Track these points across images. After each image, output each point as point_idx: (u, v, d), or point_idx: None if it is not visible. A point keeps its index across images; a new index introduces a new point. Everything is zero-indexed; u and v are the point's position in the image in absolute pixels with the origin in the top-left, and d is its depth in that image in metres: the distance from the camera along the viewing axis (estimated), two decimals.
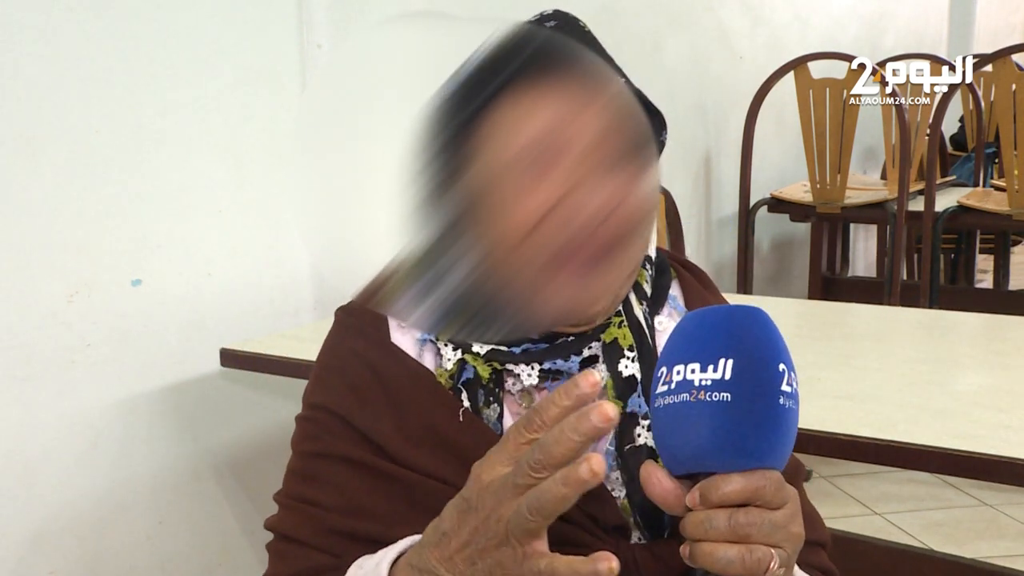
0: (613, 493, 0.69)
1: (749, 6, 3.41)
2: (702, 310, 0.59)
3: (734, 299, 2.44)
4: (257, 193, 1.65)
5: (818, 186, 3.08)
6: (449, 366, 0.72)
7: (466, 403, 0.70)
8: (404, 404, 0.70)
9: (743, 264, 3.19)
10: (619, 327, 0.72)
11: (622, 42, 2.72)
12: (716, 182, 3.29)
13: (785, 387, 0.56)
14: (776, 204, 3.21)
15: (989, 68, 3.02)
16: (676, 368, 0.56)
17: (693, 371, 0.55)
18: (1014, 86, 2.82)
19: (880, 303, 2.87)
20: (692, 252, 3.10)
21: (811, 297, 3.47)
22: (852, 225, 4.02)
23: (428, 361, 0.73)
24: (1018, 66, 2.91)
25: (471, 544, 0.55)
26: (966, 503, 2.42)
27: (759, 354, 0.56)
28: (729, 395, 0.55)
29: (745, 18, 3.40)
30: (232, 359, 1.51)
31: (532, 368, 0.71)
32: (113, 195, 1.45)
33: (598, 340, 0.72)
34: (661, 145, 0.70)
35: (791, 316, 1.81)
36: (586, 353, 0.71)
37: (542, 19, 0.71)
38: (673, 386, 0.56)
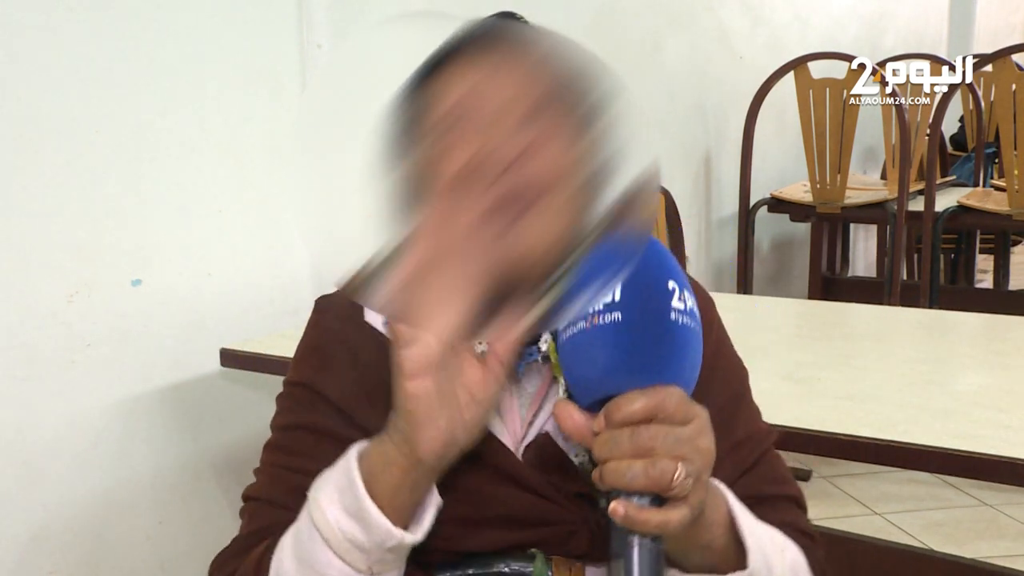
0: (575, 457, 0.70)
1: (749, 6, 3.41)
2: (599, 246, 0.60)
3: (734, 299, 2.42)
4: (257, 193, 1.65)
5: (818, 186, 3.08)
6: None
7: None
8: (375, 375, 0.71)
9: (743, 264, 3.19)
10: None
11: (622, 42, 2.73)
12: (716, 182, 3.29)
13: (676, 303, 0.58)
14: (776, 204, 3.21)
15: (989, 68, 3.02)
16: None
17: None
18: (1014, 86, 2.82)
19: (880, 303, 2.88)
20: (692, 252, 3.10)
21: (811, 297, 3.48)
22: (852, 225, 4.02)
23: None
24: (1018, 66, 2.91)
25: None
26: (966, 503, 2.42)
27: (646, 274, 0.57)
28: (620, 315, 0.56)
29: (745, 18, 3.40)
30: (232, 359, 1.51)
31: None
32: (113, 195, 1.45)
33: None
34: (608, 103, 0.70)
35: (791, 316, 1.81)
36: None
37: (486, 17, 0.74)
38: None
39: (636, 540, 0.57)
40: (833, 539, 1.79)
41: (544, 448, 0.69)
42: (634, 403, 0.56)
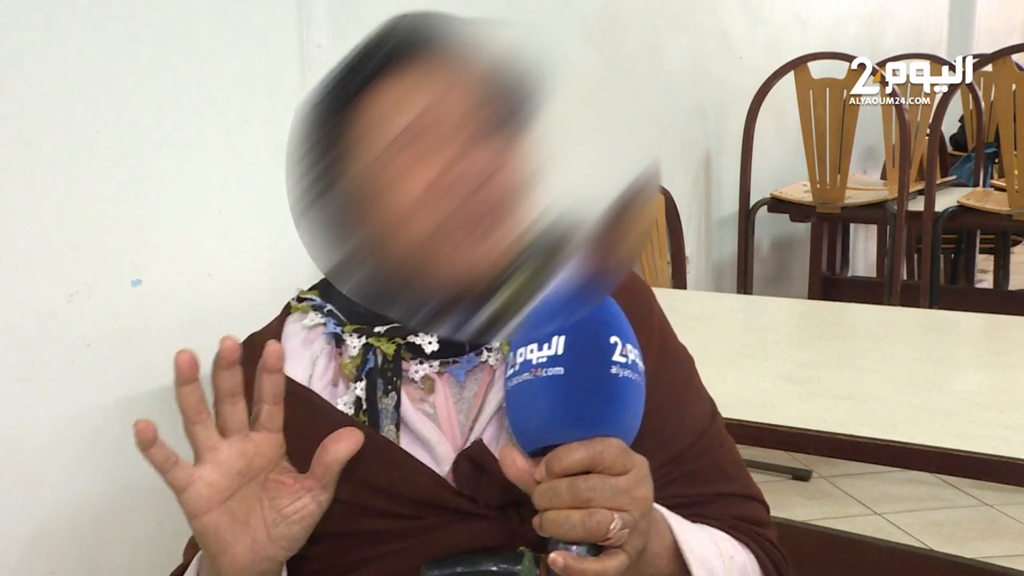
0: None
1: (749, 6, 3.41)
2: (545, 295, 0.62)
3: (734, 299, 2.41)
4: (257, 193, 1.65)
5: (818, 186, 3.08)
6: (354, 353, 0.74)
7: (364, 406, 0.73)
8: (300, 436, 0.70)
9: (743, 264, 3.19)
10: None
11: (622, 42, 2.73)
12: (716, 182, 3.29)
13: (618, 357, 0.60)
14: (776, 204, 3.21)
15: (989, 68, 3.02)
16: (519, 350, 0.61)
17: (532, 351, 0.60)
18: (1014, 86, 2.82)
19: (880, 303, 2.88)
20: (692, 252, 3.10)
21: (811, 297, 3.47)
22: (852, 225, 4.02)
23: (323, 361, 0.75)
24: (1018, 66, 2.91)
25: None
26: (966, 503, 2.42)
27: (589, 328, 0.60)
28: (562, 368, 0.59)
29: (745, 18, 3.40)
30: None
31: (432, 336, 0.73)
32: (113, 195, 1.45)
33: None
34: (542, 103, 0.71)
35: (791, 316, 1.81)
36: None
37: (400, 16, 0.73)
38: (517, 368, 0.61)
39: None
40: (833, 539, 1.79)
41: (478, 456, 0.71)
42: (573, 454, 0.58)
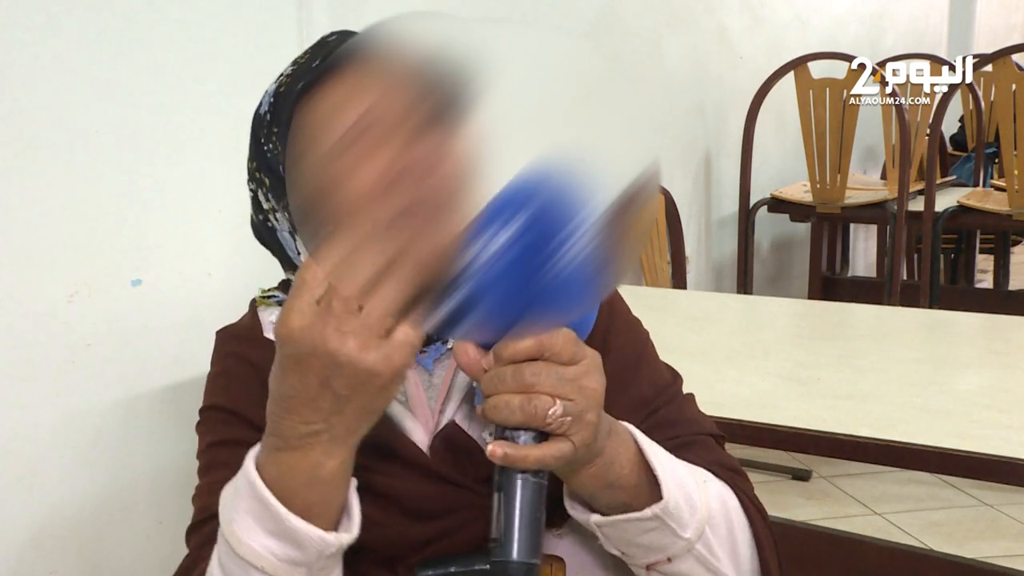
0: (489, 436, 0.70)
1: (749, 6, 3.41)
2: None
3: (734, 299, 2.41)
4: None
5: (818, 186, 3.09)
6: None
7: None
8: None
9: (743, 264, 3.19)
10: None
11: (622, 42, 2.73)
12: (716, 182, 3.29)
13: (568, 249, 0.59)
14: (776, 204, 3.21)
15: (989, 68, 3.02)
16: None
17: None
18: (1014, 86, 2.82)
19: (880, 303, 2.88)
20: (692, 252, 3.11)
21: (811, 297, 3.48)
22: (852, 225, 4.02)
23: None
24: (1018, 66, 2.92)
25: (327, 383, 0.56)
26: (966, 503, 2.42)
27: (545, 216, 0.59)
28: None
29: (745, 18, 3.40)
30: None
31: None
32: (113, 195, 1.45)
33: None
34: (479, 92, 0.71)
35: (791, 316, 1.81)
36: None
37: (332, 32, 0.76)
38: None
39: (518, 475, 0.60)
40: (833, 539, 1.79)
41: (452, 437, 0.72)
42: (521, 342, 0.58)
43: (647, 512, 0.65)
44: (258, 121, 0.76)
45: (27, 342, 1.36)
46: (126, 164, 1.46)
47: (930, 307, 2.87)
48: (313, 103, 0.70)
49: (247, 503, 0.61)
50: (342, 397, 0.57)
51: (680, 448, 0.73)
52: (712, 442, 0.79)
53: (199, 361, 1.58)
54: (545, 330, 0.59)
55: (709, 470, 0.74)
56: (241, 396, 0.76)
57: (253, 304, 0.85)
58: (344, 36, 0.73)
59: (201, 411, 0.80)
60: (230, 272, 1.63)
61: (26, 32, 1.33)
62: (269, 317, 0.81)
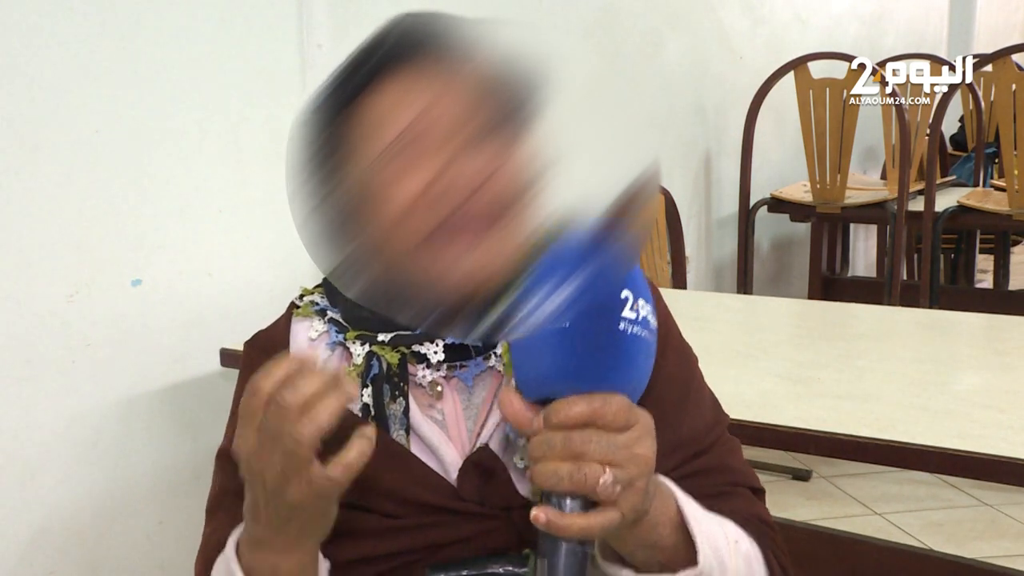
0: (520, 462, 0.71)
1: (749, 6, 3.41)
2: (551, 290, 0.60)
3: (734, 299, 2.41)
4: (257, 193, 1.65)
5: (818, 186, 3.08)
6: (359, 361, 0.73)
7: (371, 410, 0.73)
8: None
9: (743, 264, 3.19)
10: None
11: (622, 42, 2.73)
12: (716, 182, 3.29)
13: (628, 313, 0.58)
14: (776, 204, 3.21)
15: (989, 68, 3.02)
16: None
17: None
18: (1014, 86, 2.82)
19: (880, 303, 2.88)
20: (692, 252, 3.10)
21: (811, 297, 3.48)
22: (852, 225, 4.02)
23: (334, 363, 0.75)
24: (1018, 66, 2.91)
25: (269, 502, 0.61)
26: (966, 503, 2.42)
27: (599, 280, 0.57)
28: (568, 321, 0.56)
29: (745, 18, 3.40)
30: (232, 359, 1.51)
31: (437, 345, 0.72)
32: (113, 195, 1.45)
33: None
34: (542, 104, 0.70)
35: (791, 316, 1.81)
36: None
37: (400, 17, 0.72)
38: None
39: (563, 543, 0.58)
40: (833, 539, 1.79)
41: (484, 463, 0.71)
42: (572, 408, 0.57)
43: (680, 575, 0.64)
44: (312, 110, 0.71)
45: (27, 342, 1.36)
46: (126, 164, 1.46)
47: (930, 307, 2.87)
48: (367, 102, 0.67)
49: None
50: (283, 515, 0.61)
51: (716, 497, 0.72)
52: (749, 494, 0.77)
53: (199, 361, 1.59)
54: (593, 397, 0.57)
55: (741, 523, 0.72)
56: None
57: (291, 308, 0.81)
58: (410, 23, 0.70)
59: (220, 451, 0.79)
60: (230, 272, 1.63)
61: (26, 32, 1.33)
62: (307, 333, 0.78)
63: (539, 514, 0.57)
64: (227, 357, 1.52)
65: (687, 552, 0.65)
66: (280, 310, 0.85)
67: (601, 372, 0.58)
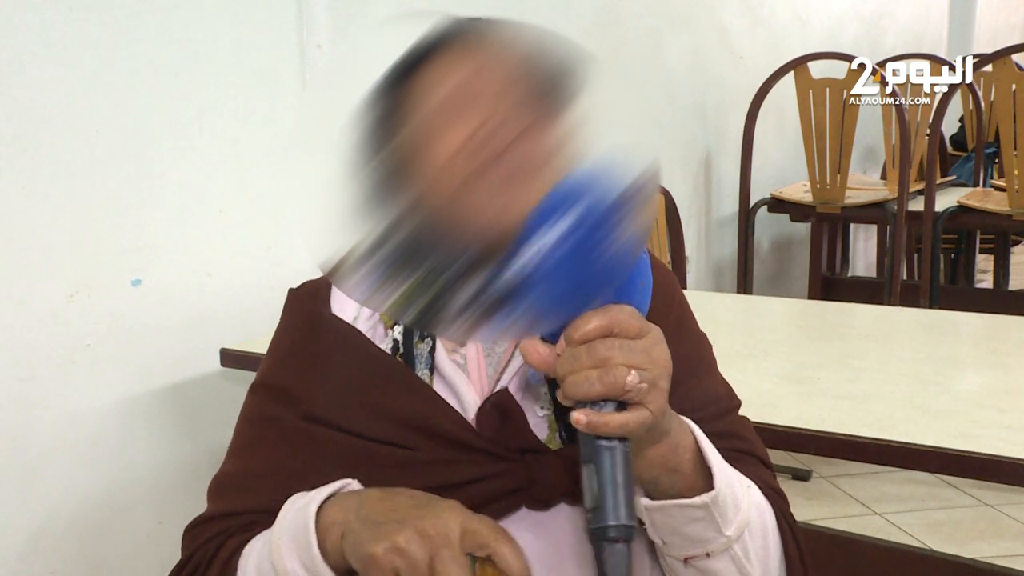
0: (540, 410, 0.75)
1: (749, 6, 3.41)
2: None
3: (734, 299, 2.41)
4: (257, 193, 1.65)
5: (818, 186, 3.08)
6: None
7: (400, 356, 0.76)
8: (341, 370, 0.76)
9: (743, 264, 3.19)
10: None
11: (622, 42, 2.73)
12: (716, 182, 3.29)
13: (620, 233, 0.61)
14: (776, 204, 3.21)
15: (989, 68, 3.02)
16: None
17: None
18: (1014, 86, 2.82)
19: (880, 303, 2.88)
20: (692, 252, 3.11)
21: (811, 297, 3.48)
22: (852, 225, 4.02)
23: (368, 310, 0.79)
24: (1018, 66, 2.91)
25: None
26: (966, 503, 2.42)
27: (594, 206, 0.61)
28: (568, 246, 0.60)
29: (745, 18, 3.40)
30: (232, 359, 1.51)
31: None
32: (113, 195, 1.45)
33: None
34: (580, 83, 0.74)
35: (791, 316, 1.81)
36: None
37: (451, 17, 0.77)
38: None
39: (604, 444, 0.62)
40: (833, 539, 1.79)
41: (503, 404, 0.74)
42: (590, 322, 0.61)
43: (697, 500, 0.67)
44: (369, 92, 0.75)
45: (27, 342, 1.36)
46: (126, 164, 1.46)
47: (930, 307, 2.87)
48: (419, 74, 0.72)
49: (296, 531, 0.67)
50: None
51: (727, 460, 0.74)
52: (760, 464, 0.80)
53: (199, 361, 1.59)
54: (606, 309, 0.61)
55: (755, 483, 0.75)
56: (297, 377, 0.78)
57: None
58: (456, 18, 0.75)
59: (254, 385, 0.82)
60: (230, 272, 1.63)
61: (26, 32, 1.33)
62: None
63: (579, 416, 0.60)
64: (227, 357, 1.52)
65: (705, 480, 0.68)
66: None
67: (607, 285, 0.62)
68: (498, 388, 0.75)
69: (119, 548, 1.51)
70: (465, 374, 0.76)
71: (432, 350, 0.76)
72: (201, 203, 1.58)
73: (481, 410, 0.74)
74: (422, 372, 0.75)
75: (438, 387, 0.75)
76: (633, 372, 0.60)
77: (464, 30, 0.73)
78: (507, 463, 0.73)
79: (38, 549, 1.41)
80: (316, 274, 0.81)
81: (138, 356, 1.51)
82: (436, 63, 0.71)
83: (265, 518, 0.72)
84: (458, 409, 0.74)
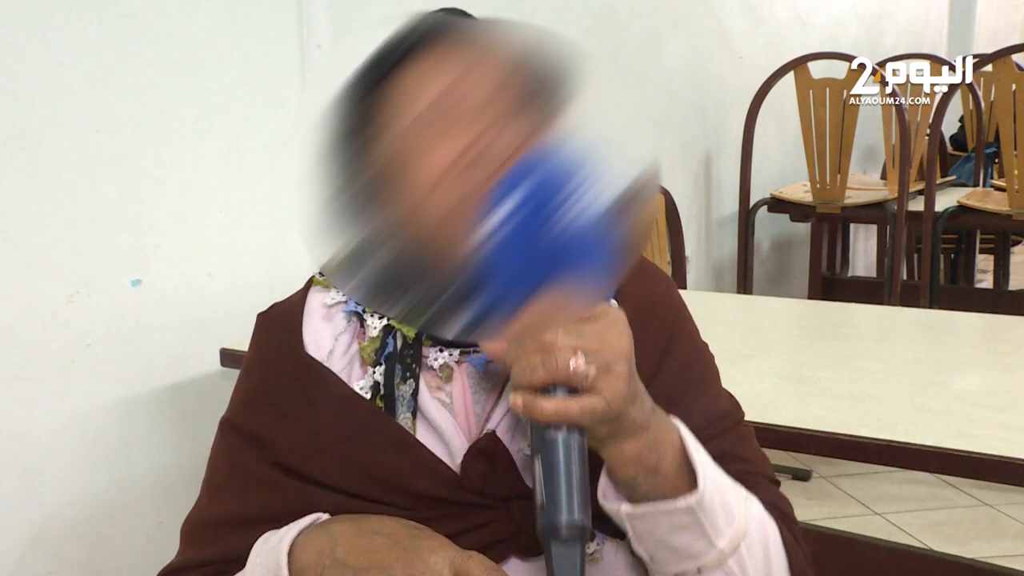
0: (528, 448, 0.69)
1: (749, 6, 3.41)
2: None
3: (734, 299, 2.41)
4: (257, 193, 1.65)
5: (818, 186, 3.08)
6: (374, 334, 0.73)
7: (379, 396, 0.72)
8: (313, 416, 0.71)
9: (743, 264, 3.19)
10: None
11: (622, 42, 2.73)
12: (716, 182, 3.29)
13: (570, 209, 0.58)
14: (776, 204, 3.21)
15: (989, 68, 3.02)
16: None
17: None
18: (1014, 86, 2.82)
19: (880, 303, 2.88)
20: (692, 252, 3.10)
21: (811, 297, 3.47)
22: (852, 225, 4.02)
23: (346, 339, 0.74)
24: (1018, 66, 2.91)
25: None
26: (966, 503, 2.42)
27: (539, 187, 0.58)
28: (514, 224, 0.58)
29: (745, 18, 3.40)
30: (232, 359, 1.51)
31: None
32: (113, 195, 1.45)
33: None
34: (575, 85, 0.70)
35: (791, 316, 1.81)
36: None
37: (426, 12, 0.73)
38: None
39: (554, 432, 0.58)
40: (833, 539, 1.79)
41: (489, 449, 0.69)
42: (532, 305, 0.58)
43: (680, 503, 0.61)
44: (341, 93, 0.71)
45: (27, 342, 1.36)
46: (126, 164, 1.46)
47: (930, 307, 2.87)
48: (397, 78, 0.68)
49: (267, 572, 0.65)
50: None
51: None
52: (765, 483, 0.74)
53: (199, 361, 1.59)
54: (552, 291, 0.58)
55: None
56: (268, 421, 0.74)
57: (310, 282, 0.80)
58: (437, 14, 0.71)
59: (223, 423, 0.79)
60: (230, 272, 1.63)
61: (26, 32, 1.33)
62: (322, 299, 0.77)
63: (515, 399, 0.57)
64: (227, 357, 1.52)
65: (690, 483, 0.63)
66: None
67: (562, 264, 0.58)
68: (486, 429, 0.71)
69: (119, 548, 1.51)
70: (451, 414, 0.71)
71: (415, 392, 0.71)
72: (201, 203, 1.58)
73: (467, 456, 0.69)
74: (404, 416, 0.70)
75: (421, 432, 0.70)
76: (579, 354, 0.56)
77: (447, 27, 0.69)
78: (493, 511, 0.69)
79: (38, 549, 1.41)
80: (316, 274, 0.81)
81: (138, 356, 1.51)
82: (416, 65, 0.67)
83: (236, 568, 0.69)
84: (443, 455, 0.70)
